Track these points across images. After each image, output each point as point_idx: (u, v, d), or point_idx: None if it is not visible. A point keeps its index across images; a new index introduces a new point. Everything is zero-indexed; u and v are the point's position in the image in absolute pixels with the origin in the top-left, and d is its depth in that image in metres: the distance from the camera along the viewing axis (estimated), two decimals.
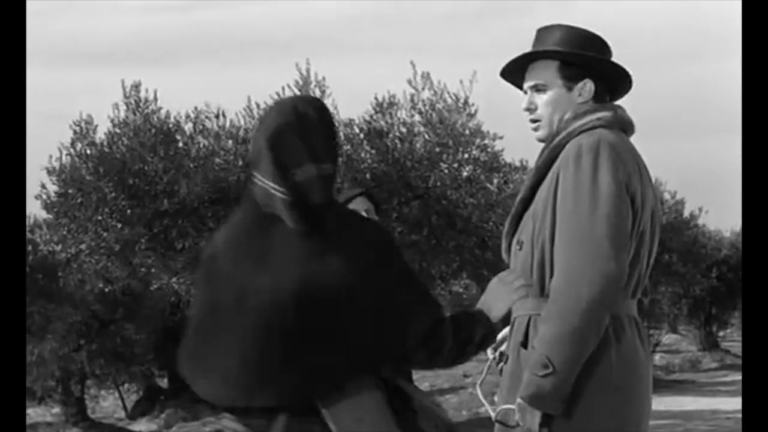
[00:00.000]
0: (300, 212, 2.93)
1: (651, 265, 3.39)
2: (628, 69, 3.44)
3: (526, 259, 3.34)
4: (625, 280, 3.24)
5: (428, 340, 2.96)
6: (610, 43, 3.46)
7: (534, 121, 3.45)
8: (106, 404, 19.30)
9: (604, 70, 3.42)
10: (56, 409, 16.63)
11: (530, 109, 3.44)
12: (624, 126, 3.42)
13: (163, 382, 17.55)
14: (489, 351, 3.54)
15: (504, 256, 3.48)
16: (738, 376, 19.31)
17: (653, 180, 3.46)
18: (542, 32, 3.46)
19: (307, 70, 11.93)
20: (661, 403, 14.59)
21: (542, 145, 3.44)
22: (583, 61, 3.38)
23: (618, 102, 3.49)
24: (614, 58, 3.46)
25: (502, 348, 3.52)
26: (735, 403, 14.05)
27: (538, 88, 3.43)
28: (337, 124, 3.24)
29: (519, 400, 3.21)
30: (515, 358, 3.36)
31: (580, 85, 3.41)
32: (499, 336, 3.49)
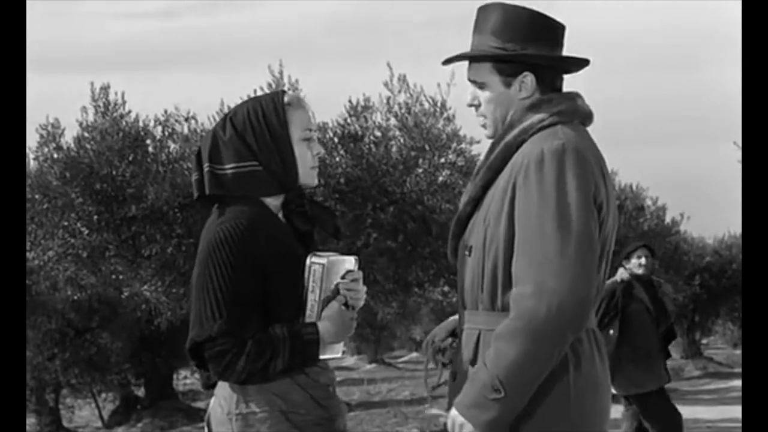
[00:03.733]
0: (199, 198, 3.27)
1: (608, 270, 3.17)
2: (571, 54, 3.17)
3: (476, 267, 3.10)
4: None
5: (216, 356, 3.03)
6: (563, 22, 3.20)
7: (481, 116, 3.19)
8: (83, 414, 19.18)
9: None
10: (31, 420, 16.44)
11: (474, 105, 3.19)
12: (583, 118, 3.16)
13: (140, 391, 17.40)
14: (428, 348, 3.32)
15: (450, 258, 3.24)
16: (720, 384, 19.24)
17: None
18: (480, 15, 3.18)
19: (280, 73, 11.78)
20: None
21: None
22: (517, 58, 3.11)
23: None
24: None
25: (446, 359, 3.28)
26: (716, 412, 13.91)
27: (478, 85, 3.17)
28: (255, 119, 3.16)
29: (454, 411, 2.98)
30: (464, 376, 3.11)
31: (519, 78, 3.13)
32: (441, 336, 3.29)
